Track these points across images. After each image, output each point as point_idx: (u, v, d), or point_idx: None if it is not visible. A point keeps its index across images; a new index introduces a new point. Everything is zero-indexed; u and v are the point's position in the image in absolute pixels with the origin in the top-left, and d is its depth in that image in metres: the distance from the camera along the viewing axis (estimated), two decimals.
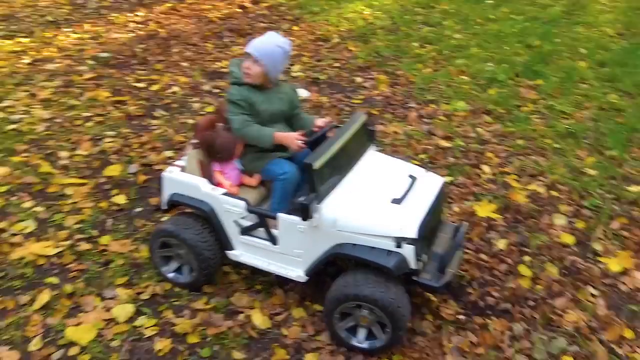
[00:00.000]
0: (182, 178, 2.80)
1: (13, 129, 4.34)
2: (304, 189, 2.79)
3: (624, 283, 2.96)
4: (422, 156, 4.17)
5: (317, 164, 2.43)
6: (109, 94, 5.04)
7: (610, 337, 2.61)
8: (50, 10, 7.49)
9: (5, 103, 4.74)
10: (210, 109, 4.87)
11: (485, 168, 4.04)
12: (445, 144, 4.35)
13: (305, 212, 2.41)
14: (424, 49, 6.51)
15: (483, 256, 3.12)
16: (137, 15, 7.38)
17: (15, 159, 3.92)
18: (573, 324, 2.67)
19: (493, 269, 3.03)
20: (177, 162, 2.95)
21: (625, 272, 3.03)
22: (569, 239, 3.30)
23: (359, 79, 5.62)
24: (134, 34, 6.68)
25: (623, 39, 7.21)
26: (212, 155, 2.83)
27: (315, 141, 2.81)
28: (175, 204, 2.85)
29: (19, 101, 4.81)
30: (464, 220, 3.39)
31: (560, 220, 3.46)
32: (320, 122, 2.97)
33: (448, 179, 3.87)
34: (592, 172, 4.00)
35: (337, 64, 6.01)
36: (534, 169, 4.04)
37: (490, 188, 3.80)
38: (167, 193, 2.85)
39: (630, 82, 5.70)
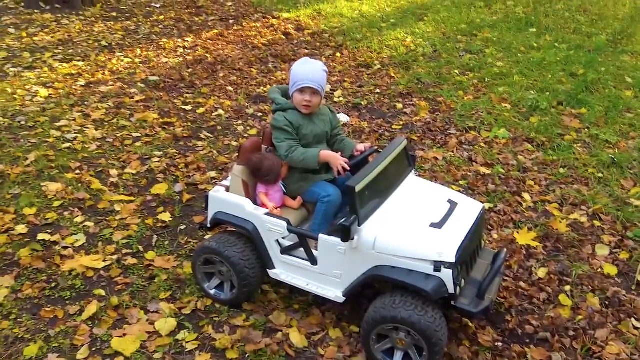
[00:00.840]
0: (227, 197, 2.90)
1: (67, 147, 4.56)
2: (345, 211, 2.86)
3: None
4: (462, 182, 4.17)
5: (358, 187, 2.50)
6: (158, 116, 5.24)
7: None
8: (104, 36, 7.86)
9: (61, 122, 5.00)
10: (253, 131, 5.01)
11: (526, 196, 4.02)
12: (485, 170, 4.35)
13: (346, 234, 2.46)
14: (465, 77, 6.54)
15: (522, 284, 3.09)
16: (185, 41, 7.68)
17: (69, 175, 4.12)
18: (615, 355, 2.62)
19: (532, 297, 3.00)
20: (222, 182, 3.07)
21: None
22: (611, 269, 3.24)
23: (399, 105, 5.69)
24: (182, 59, 6.94)
25: None
26: (259, 177, 2.92)
27: (357, 165, 2.88)
28: (219, 222, 2.95)
29: (74, 121, 5.05)
30: (503, 247, 3.38)
31: (602, 251, 3.41)
32: (361, 147, 3.04)
33: (488, 205, 3.87)
34: (637, 202, 3.92)
35: (378, 90, 6.10)
36: (576, 198, 3.99)
37: (531, 216, 3.77)
38: (212, 211, 2.95)
39: None
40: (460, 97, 5.92)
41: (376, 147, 3.10)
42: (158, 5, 9.97)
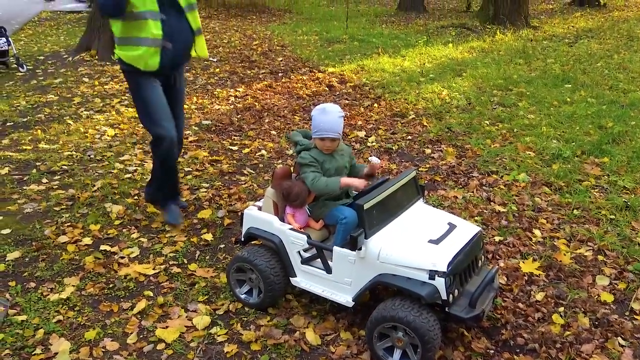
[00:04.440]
0: (258, 215, 3.40)
1: (129, 177, 5.22)
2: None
3: None
4: (477, 218, 4.53)
5: (366, 205, 2.95)
6: (207, 154, 5.88)
7: None
8: None
9: (125, 157, 5.70)
10: None
11: (537, 232, 4.33)
12: (501, 209, 4.70)
13: (354, 243, 2.90)
14: (495, 127, 6.91)
15: (520, 305, 3.41)
16: (237, 91, 8.45)
17: (129, 200, 4.74)
18: None
19: (528, 315, 3.31)
20: (256, 203, 3.58)
21: None
22: (608, 297, 3.50)
23: (428, 150, 6.12)
24: (232, 106, 7.67)
25: None
26: (288, 201, 3.42)
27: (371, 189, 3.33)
28: (251, 236, 3.44)
29: (135, 156, 5.75)
30: (507, 274, 3.71)
31: (602, 281, 3.67)
32: (373, 159, 3.48)
33: (498, 238, 4.21)
34: None
35: (409, 137, 6.57)
36: (584, 235, 4.27)
37: (538, 249, 4.08)
38: (246, 227, 3.46)
39: None
40: (488, 145, 6.29)
41: (388, 177, 3.54)
42: (215, 60, 10.92)
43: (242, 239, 3.52)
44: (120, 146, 6.02)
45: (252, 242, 3.58)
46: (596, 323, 3.25)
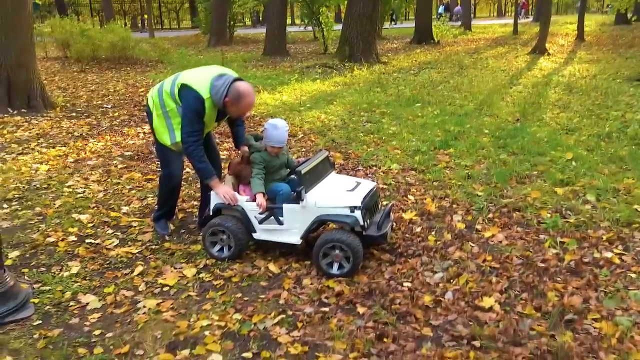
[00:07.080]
0: None
1: (81, 196, 6.14)
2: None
3: (492, 240, 4.87)
4: None
5: (303, 171, 4.37)
6: (141, 175, 6.93)
7: (479, 260, 4.47)
8: (74, 129, 9.51)
9: (69, 183, 6.57)
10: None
11: (411, 197, 6.02)
12: (384, 186, 6.35)
13: (298, 197, 4.30)
14: (368, 137, 8.70)
15: (407, 235, 5.00)
16: (144, 129, 9.47)
17: (90, 210, 5.70)
18: (458, 257, 4.54)
19: (412, 239, 4.90)
20: None
21: (492, 237, 4.94)
22: (461, 225, 5.21)
23: None
24: (145, 140, 8.70)
25: (519, 123, 9.60)
26: (240, 180, 4.73)
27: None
28: (219, 209, 4.68)
29: (78, 182, 6.64)
30: (396, 221, 5.31)
31: (456, 217, 5.41)
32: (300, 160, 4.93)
33: (385, 202, 5.82)
34: (480, 193, 6.02)
35: (304, 149, 8.11)
36: (443, 194, 6.04)
37: (413, 205, 5.76)
38: (213, 203, 4.70)
39: (516, 146, 7.89)
40: (365, 149, 8.02)
41: (309, 157, 4.98)
42: (109, 106, 11.77)
43: (211, 213, 4.75)
44: (59, 177, 6.85)
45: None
46: (455, 236, 4.94)
